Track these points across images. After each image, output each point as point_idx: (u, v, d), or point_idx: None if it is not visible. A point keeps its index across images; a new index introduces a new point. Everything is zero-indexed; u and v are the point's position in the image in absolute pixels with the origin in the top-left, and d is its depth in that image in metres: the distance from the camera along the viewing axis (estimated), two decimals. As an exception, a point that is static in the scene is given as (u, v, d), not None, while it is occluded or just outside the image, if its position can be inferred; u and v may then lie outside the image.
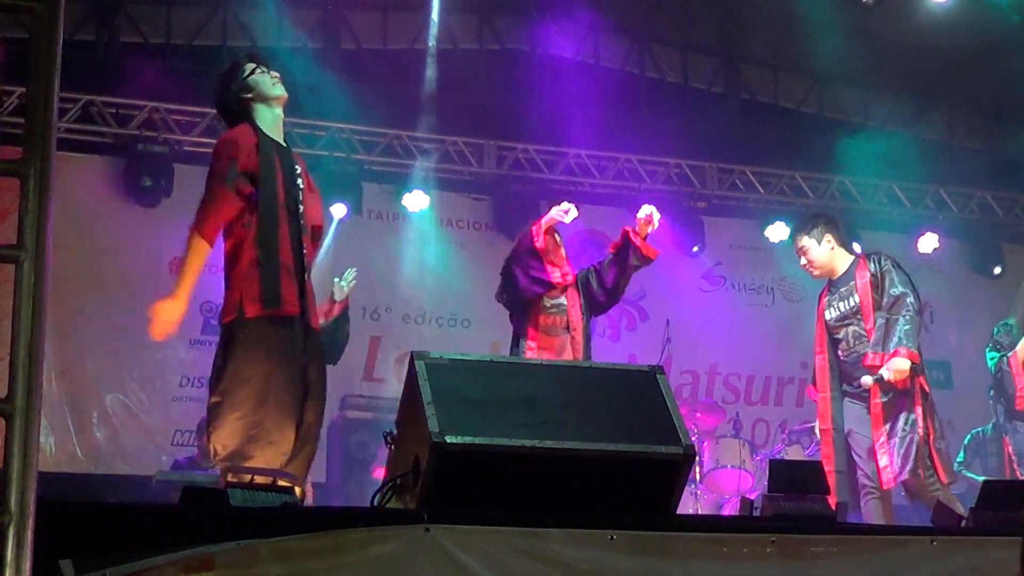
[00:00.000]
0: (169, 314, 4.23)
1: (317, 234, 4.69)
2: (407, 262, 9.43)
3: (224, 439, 4.14)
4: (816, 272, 5.96)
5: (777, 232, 10.07)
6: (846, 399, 5.82)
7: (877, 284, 5.72)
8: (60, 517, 2.54)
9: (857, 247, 5.92)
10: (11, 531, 1.78)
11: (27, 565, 1.78)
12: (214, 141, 8.77)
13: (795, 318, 10.08)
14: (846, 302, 5.82)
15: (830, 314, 5.87)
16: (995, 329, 7.81)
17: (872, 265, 5.77)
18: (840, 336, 5.82)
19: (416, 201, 9.39)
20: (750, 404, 9.91)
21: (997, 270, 10.54)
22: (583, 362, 5.43)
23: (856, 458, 5.74)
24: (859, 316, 5.74)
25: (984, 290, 10.59)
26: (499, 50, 10.26)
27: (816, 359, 5.94)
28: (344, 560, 2.69)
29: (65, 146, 8.26)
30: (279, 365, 4.22)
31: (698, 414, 8.41)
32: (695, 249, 9.99)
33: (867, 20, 8.78)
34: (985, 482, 4.12)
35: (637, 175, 10.00)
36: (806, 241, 5.91)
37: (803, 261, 5.97)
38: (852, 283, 5.82)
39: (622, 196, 10.01)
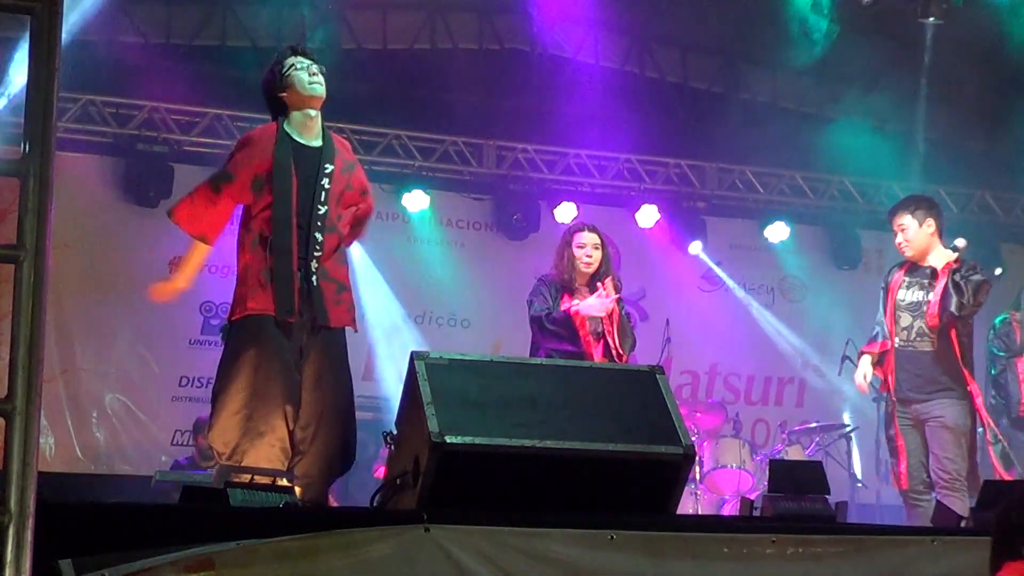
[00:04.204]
0: (164, 291, 4.60)
1: (354, 222, 4.70)
2: (407, 262, 9.42)
3: (219, 435, 4.22)
4: (909, 252, 5.85)
5: (777, 232, 10.06)
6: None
7: (951, 294, 5.64)
8: (60, 517, 2.54)
9: (961, 242, 5.85)
10: (11, 531, 1.77)
11: (27, 565, 1.78)
12: (214, 141, 8.89)
13: (795, 318, 10.08)
14: (924, 292, 5.78)
15: (904, 295, 5.82)
16: (996, 320, 7.76)
17: (957, 276, 5.68)
18: (904, 325, 5.78)
19: (416, 201, 9.38)
20: (750, 404, 9.89)
21: (998, 271, 10.50)
22: (583, 362, 5.41)
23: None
24: (924, 313, 5.71)
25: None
26: (499, 50, 10.24)
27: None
28: (344, 560, 2.69)
29: (65, 146, 8.25)
30: (267, 358, 4.25)
31: (698, 414, 8.40)
32: (693, 247, 9.96)
33: (867, 20, 8.76)
34: (985, 482, 4.12)
35: (637, 175, 10.00)
36: (907, 220, 5.84)
37: (899, 239, 5.87)
38: (934, 280, 5.74)
39: (622, 196, 10.00)
